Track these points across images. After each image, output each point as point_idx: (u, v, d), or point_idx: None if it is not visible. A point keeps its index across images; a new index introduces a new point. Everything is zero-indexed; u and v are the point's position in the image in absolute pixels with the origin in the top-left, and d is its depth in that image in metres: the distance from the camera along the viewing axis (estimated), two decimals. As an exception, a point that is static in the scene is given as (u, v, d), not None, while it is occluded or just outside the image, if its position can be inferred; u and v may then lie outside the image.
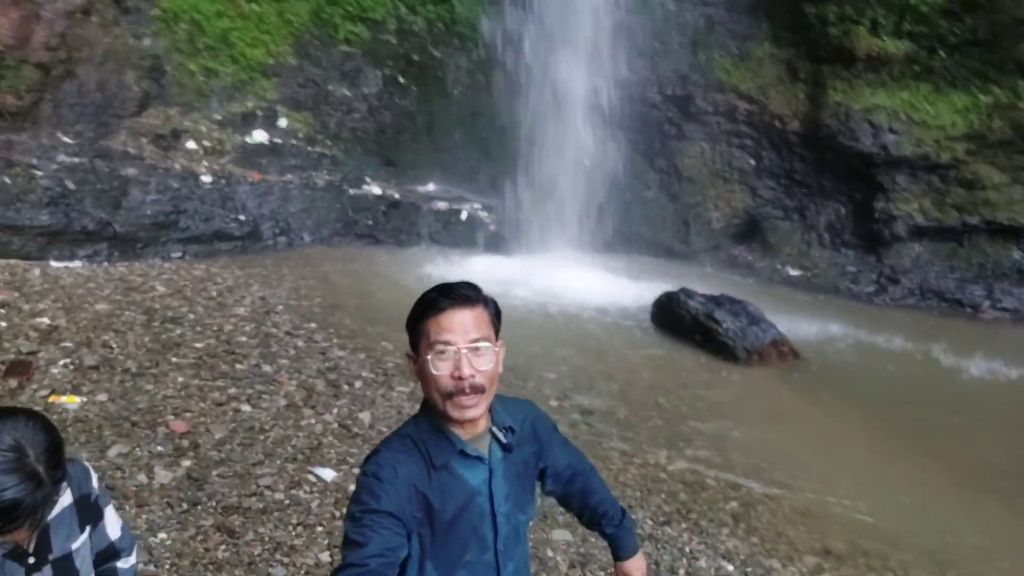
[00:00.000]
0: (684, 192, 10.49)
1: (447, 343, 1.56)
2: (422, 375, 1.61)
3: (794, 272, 10.08)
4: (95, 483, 1.66)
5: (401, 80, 11.21)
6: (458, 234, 10.09)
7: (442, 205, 10.39)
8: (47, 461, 1.23)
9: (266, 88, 10.45)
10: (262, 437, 4.39)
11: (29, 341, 5.03)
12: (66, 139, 8.41)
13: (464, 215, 10.27)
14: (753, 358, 6.98)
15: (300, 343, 6.05)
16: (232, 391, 4.87)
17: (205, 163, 9.39)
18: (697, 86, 10.18)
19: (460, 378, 1.54)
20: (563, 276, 9.10)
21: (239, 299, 6.99)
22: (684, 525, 4.31)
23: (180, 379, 4.94)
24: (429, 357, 1.56)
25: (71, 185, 7.96)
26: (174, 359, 5.23)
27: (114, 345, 5.27)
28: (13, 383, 4.40)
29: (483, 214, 10.40)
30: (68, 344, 5.13)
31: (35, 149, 7.94)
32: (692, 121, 10.36)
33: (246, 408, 4.70)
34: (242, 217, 9.08)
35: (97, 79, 8.91)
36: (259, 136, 10.06)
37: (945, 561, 4.29)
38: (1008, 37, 8.74)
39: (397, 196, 10.41)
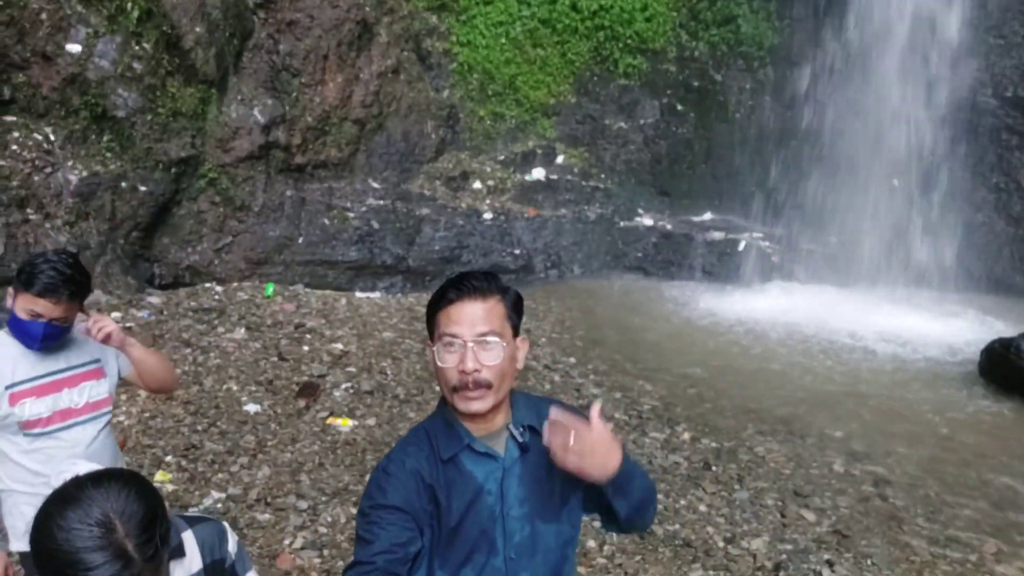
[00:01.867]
0: (1030, 214, 8.47)
1: (454, 336, 1.52)
2: (433, 366, 1.57)
3: None
4: (232, 546, 1.56)
5: (679, 108, 10.85)
6: (735, 266, 9.34)
7: (717, 235, 9.73)
8: (138, 536, 1.12)
9: (546, 127, 10.85)
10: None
11: (322, 364, 5.64)
12: (375, 184, 9.56)
13: (742, 245, 9.48)
14: None
15: (556, 377, 5.97)
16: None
17: (487, 201, 9.98)
18: (1050, 82, 8.20)
19: (465, 372, 1.50)
20: (861, 313, 7.86)
21: (507, 331, 7.17)
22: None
23: (440, 408, 5.12)
24: (436, 348, 1.54)
25: (376, 225, 8.99)
26: (437, 388, 5.46)
27: (389, 372, 5.68)
28: (302, 403, 4.94)
29: (764, 244, 9.50)
30: (352, 369, 5.65)
31: (350, 194, 9.13)
32: (1042, 126, 8.35)
33: (495, 443, 4.69)
34: (517, 251, 9.44)
35: (402, 130, 10.00)
36: (537, 173, 10.44)
37: None
38: None
39: (669, 227, 10.01)
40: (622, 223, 9.92)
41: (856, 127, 9.25)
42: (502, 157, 10.61)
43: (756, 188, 10.08)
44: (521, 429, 1.59)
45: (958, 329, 7.41)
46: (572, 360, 6.41)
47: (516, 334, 1.59)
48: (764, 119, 10.41)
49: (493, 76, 10.66)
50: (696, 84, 10.81)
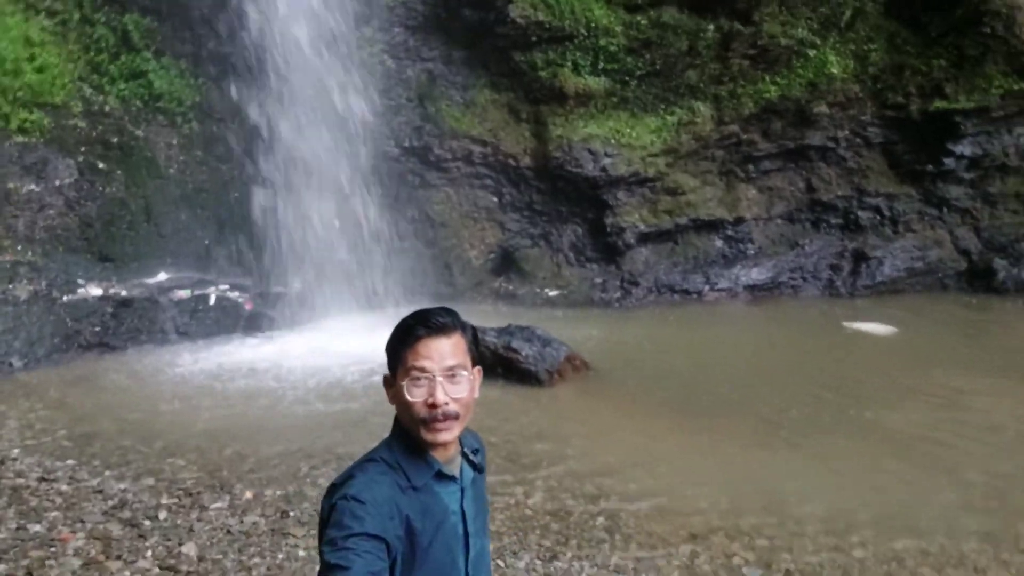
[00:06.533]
0: (440, 237, 10.68)
1: (422, 370, 1.59)
2: (397, 400, 1.63)
3: (552, 292, 10.78)
4: None
5: (101, 166, 9.85)
6: (210, 321, 9.07)
7: (183, 293, 9.26)
8: None
9: (-89, 196, 8.46)
10: (65, 615, 3.43)
11: None
12: None
13: (212, 299, 9.27)
14: (554, 378, 7.26)
15: (64, 487, 4.89)
16: (0, 568, 3.75)
17: None
18: (432, 136, 10.48)
19: (434, 405, 1.58)
20: (339, 341, 8.64)
21: (-50, 458, 5.45)
22: (570, 555, 4.28)
23: (-91, 579, 3.66)
24: (404, 383, 1.60)
25: None
26: None
27: None
28: None
29: (234, 294, 9.49)
30: None
31: None
32: (433, 169, 10.62)
33: (27, 586, 3.64)
34: (-83, 356, 7.17)
35: None
36: (-77, 255, 8.07)
37: (777, 509, 4.83)
38: (678, 66, 10.44)
39: (125, 294, 9.05)
40: (65, 298, 8.50)
41: (292, 177, 10.03)
42: None
43: (210, 241, 9.94)
44: (473, 452, 1.74)
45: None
46: (72, 462, 5.31)
47: (474, 364, 1.68)
48: (200, 173, 10.31)
49: None
50: (116, 140, 10.01)
